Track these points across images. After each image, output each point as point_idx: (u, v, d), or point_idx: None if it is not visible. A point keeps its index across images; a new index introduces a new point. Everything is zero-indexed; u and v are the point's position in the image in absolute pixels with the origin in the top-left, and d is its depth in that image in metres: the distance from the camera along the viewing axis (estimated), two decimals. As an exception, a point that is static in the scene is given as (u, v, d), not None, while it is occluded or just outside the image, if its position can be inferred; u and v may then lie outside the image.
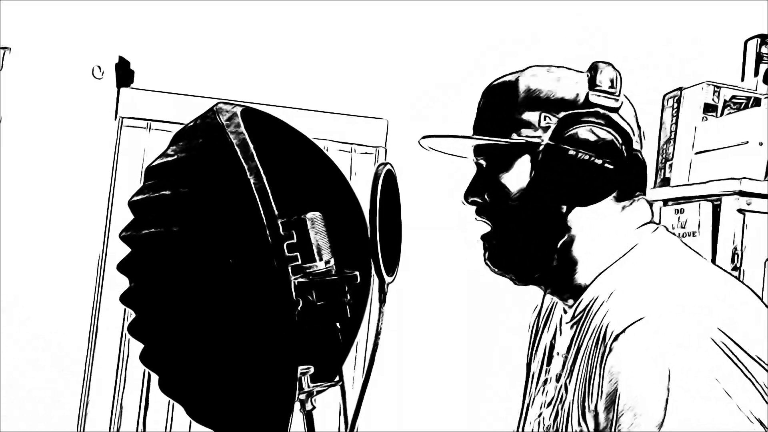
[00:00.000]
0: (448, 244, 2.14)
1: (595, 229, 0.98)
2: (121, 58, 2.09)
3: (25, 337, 2.02)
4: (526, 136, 0.97)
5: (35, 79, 2.05)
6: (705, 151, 2.05)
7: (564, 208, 0.97)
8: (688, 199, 2.01)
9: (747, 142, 1.92)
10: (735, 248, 1.86)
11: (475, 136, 1.02)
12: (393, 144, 2.17)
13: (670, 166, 2.15)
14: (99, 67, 2.07)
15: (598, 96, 0.96)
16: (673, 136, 2.14)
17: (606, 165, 0.94)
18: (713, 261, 1.89)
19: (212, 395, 0.94)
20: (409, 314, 2.12)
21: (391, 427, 2.12)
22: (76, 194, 2.06)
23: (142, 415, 2.08)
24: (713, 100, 2.07)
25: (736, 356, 0.82)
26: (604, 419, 0.86)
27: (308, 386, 0.97)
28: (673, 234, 1.01)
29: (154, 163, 0.97)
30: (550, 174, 0.96)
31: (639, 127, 1.02)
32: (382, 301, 1.02)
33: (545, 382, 1.04)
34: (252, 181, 0.91)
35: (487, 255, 1.03)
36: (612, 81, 0.97)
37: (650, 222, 1.00)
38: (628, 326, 0.86)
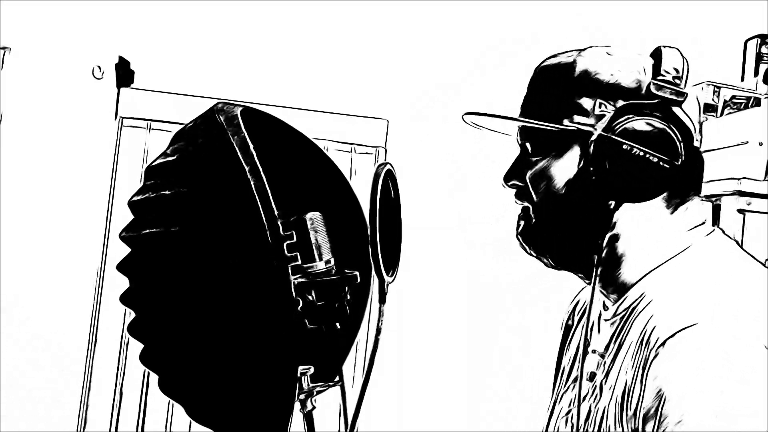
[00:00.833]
0: (448, 244, 2.14)
1: (644, 227, 0.92)
2: (121, 58, 2.09)
3: (25, 337, 2.02)
4: (578, 123, 0.91)
5: (35, 79, 2.05)
6: (705, 151, 2.04)
7: (612, 204, 0.91)
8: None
9: (747, 142, 1.92)
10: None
11: (523, 119, 0.96)
12: (393, 144, 2.17)
13: (670, 166, 2.14)
14: (99, 67, 2.07)
15: (661, 87, 0.90)
16: (673, 136, 2.14)
17: (661, 164, 0.88)
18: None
19: (212, 395, 0.94)
20: (409, 314, 2.12)
21: (391, 427, 2.12)
22: (76, 194, 2.06)
23: (142, 415, 2.08)
24: (713, 100, 2.07)
25: None
26: (645, 423, 0.82)
27: (308, 386, 0.97)
28: (730, 237, 0.96)
29: (154, 163, 0.97)
30: (601, 168, 0.89)
31: (700, 122, 0.95)
32: (382, 300, 1.02)
33: (575, 379, 1.00)
34: (252, 181, 0.91)
35: (520, 229, 0.97)
36: (677, 69, 0.90)
37: (704, 223, 0.95)
38: (678, 332, 0.82)
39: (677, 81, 0.91)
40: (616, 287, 0.95)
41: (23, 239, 2.03)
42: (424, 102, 2.16)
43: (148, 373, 2.06)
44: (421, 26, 2.17)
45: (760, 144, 1.90)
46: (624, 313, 0.93)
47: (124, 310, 1.99)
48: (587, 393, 0.96)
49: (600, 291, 0.98)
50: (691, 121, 0.92)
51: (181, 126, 0.99)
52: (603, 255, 0.93)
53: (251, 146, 0.92)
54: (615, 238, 0.93)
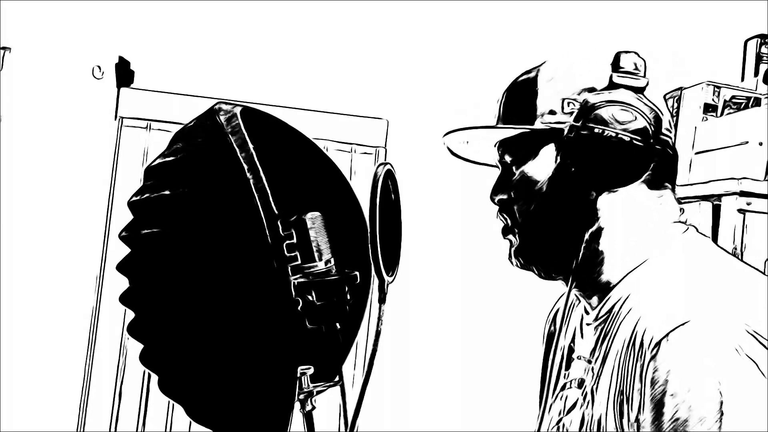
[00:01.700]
0: (448, 244, 2.14)
1: (625, 218, 0.94)
2: (121, 58, 2.09)
3: (25, 337, 2.02)
4: (550, 122, 0.94)
5: (35, 79, 2.05)
6: (705, 151, 2.04)
7: (593, 194, 0.93)
8: (687, 199, 2.01)
9: (747, 142, 1.92)
10: (735, 248, 1.86)
11: (497, 125, 0.99)
12: (393, 144, 2.17)
13: (670, 166, 2.14)
14: (99, 67, 2.07)
15: (622, 77, 0.93)
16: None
17: (635, 142, 0.89)
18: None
19: (212, 395, 0.94)
20: (409, 314, 2.12)
21: (391, 427, 2.12)
22: (76, 194, 2.06)
23: (142, 415, 2.08)
24: (713, 100, 2.07)
25: None
26: (649, 427, 0.82)
27: (308, 386, 0.97)
28: (704, 235, 0.97)
29: (154, 163, 0.97)
30: (577, 156, 0.91)
31: (670, 113, 0.99)
32: (382, 300, 1.02)
33: (563, 387, 1.00)
34: (252, 181, 0.91)
35: (512, 250, 0.99)
36: (635, 64, 0.94)
37: (679, 221, 0.96)
38: (671, 331, 0.82)
39: (636, 71, 0.94)
40: (596, 289, 0.96)
41: (23, 239, 2.03)
42: (424, 102, 2.16)
43: (148, 373, 2.06)
44: (421, 26, 2.17)
45: (760, 144, 1.90)
46: (607, 315, 0.94)
47: (124, 310, 1.99)
48: (576, 401, 0.96)
49: (579, 295, 0.99)
50: (656, 106, 0.93)
51: (181, 126, 0.99)
52: (584, 253, 0.94)
53: (251, 146, 0.92)
54: (598, 232, 0.94)
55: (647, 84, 0.94)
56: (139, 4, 2.08)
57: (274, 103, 1.97)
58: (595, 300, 0.97)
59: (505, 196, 1.00)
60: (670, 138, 0.95)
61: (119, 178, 2.09)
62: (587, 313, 0.99)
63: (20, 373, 2.02)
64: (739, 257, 1.85)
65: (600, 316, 0.95)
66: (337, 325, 0.97)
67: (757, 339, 0.81)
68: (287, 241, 0.93)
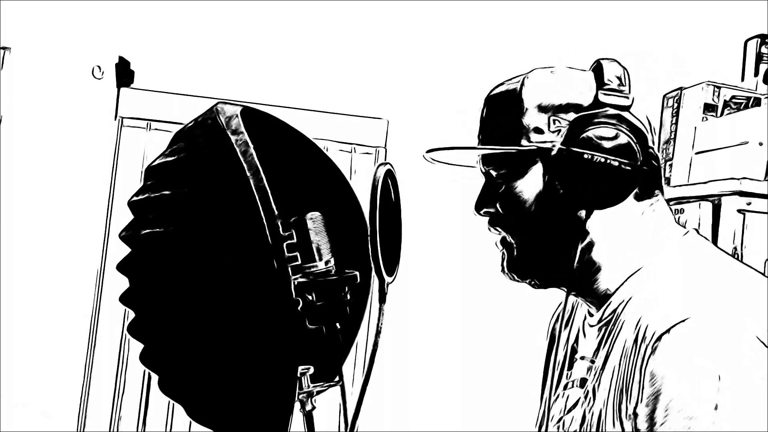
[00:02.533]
0: (448, 244, 2.14)
1: (618, 232, 0.94)
2: (121, 58, 2.09)
3: (25, 337, 2.02)
4: (537, 142, 0.94)
5: (35, 79, 2.05)
6: (705, 151, 2.05)
7: (583, 214, 0.94)
8: (687, 199, 2.01)
9: (747, 142, 1.92)
10: (735, 248, 1.86)
11: (483, 146, 0.99)
12: (393, 144, 2.17)
13: (670, 166, 2.14)
14: (99, 67, 2.07)
15: (608, 95, 0.93)
16: (673, 136, 2.14)
17: (623, 167, 0.90)
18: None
19: (212, 395, 0.94)
20: (409, 314, 2.12)
21: (391, 427, 2.12)
22: (76, 194, 2.06)
23: (142, 415, 2.08)
24: (713, 100, 2.07)
25: None
26: (645, 421, 0.83)
27: (308, 386, 0.97)
28: (705, 238, 0.98)
29: (154, 163, 0.97)
30: (565, 180, 0.92)
31: (651, 125, 0.99)
32: (382, 300, 1.02)
33: (565, 386, 1.01)
34: (252, 181, 0.91)
35: (505, 263, 1.00)
36: (620, 78, 0.94)
37: (677, 224, 0.97)
38: (672, 327, 0.83)
39: (622, 88, 0.94)
40: (596, 296, 0.97)
41: (23, 239, 2.03)
42: (424, 102, 2.16)
43: (148, 373, 2.06)
44: (421, 26, 2.17)
45: (760, 144, 1.90)
46: (610, 317, 0.95)
47: (124, 310, 1.99)
48: (578, 400, 0.97)
49: (582, 300, 1.00)
50: (642, 123, 0.94)
51: (181, 126, 0.99)
52: (579, 264, 0.95)
53: (251, 146, 0.92)
54: (590, 246, 0.95)
55: (633, 101, 0.94)
56: (139, 4, 2.08)
57: (274, 103, 1.97)
58: (596, 305, 0.98)
59: (492, 210, 1.00)
60: (653, 150, 0.96)
61: (119, 178, 2.09)
62: (590, 315, 0.99)
63: (20, 373, 2.02)
64: (739, 257, 1.85)
65: (603, 318, 0.96)
66: (337, 325, 0.97)
67: (756, 337, 0.81)
68: (287, 241, 0.93)
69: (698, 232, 0.98)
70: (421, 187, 2.06)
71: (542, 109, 0.95)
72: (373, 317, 1.04)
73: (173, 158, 0.96)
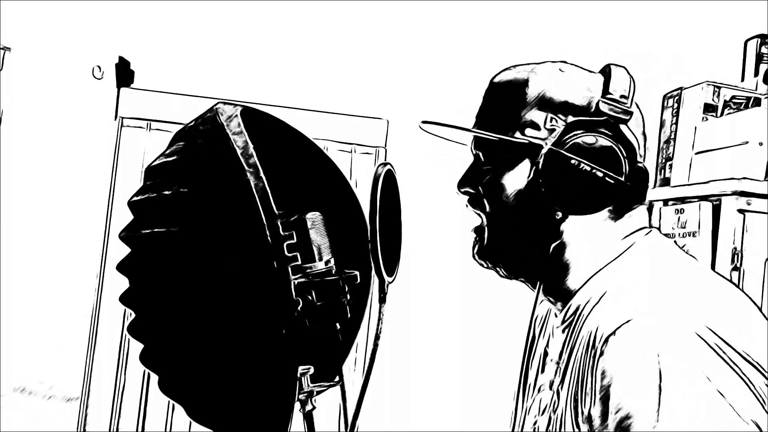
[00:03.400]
0: (448, 243, 2.14)
1: (589, 236, 0.96)
2: (121, 58, 2.09)
3: (26, 337, 2.02)
4: (530, 137, 0.95)
5: (35, 79, 2.05)
6: (705, 151, 2.05)
7: (559, 215, 0.95)
8: (687, 199, 2.01)
9: (747, 142, 1.92)
10: (735, 248, 1.86)
11: (477, 131, 1.00)
12: (393, 144, 2.17)
13: (670, 166, 2.14)
14: (99, 67, 2.07)
15: (609, 105, 0.94)
16: (673, 136, 2.14)
17: (606, 179, 0.92)
18: (713, 261, 1.89)
19: (212, 395, 0.94)
20: (409, 314, 2.12)
21: (391, 427, 2.12)
22: (76, 194, 2.06)
23: (142, 415, 2.08)
24: (713, 100, 2.07)
25: (726, 354, 0.82)
26: (598, 423, 0.84)
27: (308, 386, 0.97)
28: (666, 236, 1.00)
29: (154, 163, 0.97)
30: (549, 181, 0.93)
31: (645, 137, 1.00)
32: (382, 300, 1.02)
33: (539, 389, 1.03)
34: (252, 181, 0.91)
35: (476, 249, 1.02)
36: (624, 91, 0.94)
37: (645, 228, 0.98)
38: (617, 328, 0.85)
39: (624, 100, 0.94)
40: (561, 295, 0.98)
41: (23, 239, 2.03)
42: (424, 102, 2.16)
43: (148, 373, 2.06)
44: (421, 26, 2.17)
45: (760, 144, 1.90)
46: (571, 318, 0.96)
47: (124, 310, 1.99)
48: (549, 402, 0.98)
49: (548, 299, 1.02)
50: (636, 138, 0.96)
51: (181, 126, 0.99)
52: (550, 264, 0.97)
53: (251, 146, 0.92)
54: (562, 247, 0.97)
55: (631, 116, 0.95)
56: (139, 4, 2.08)
57: (274, 103, 1.97)
58: (560, 305, 1.00)
59: (472, 190, 1.01)
60: (643, 165, 0.97)
61: (119, 178, 2.09)
62: (555, 316, 1.01)
63: (21, 373, 2.01)
64: (739, 257, 1.85)
65: (566, 319, 0.98)
66: (337, 325, 0.97)
67: (700, 337, 0.82)
68: (287, 241, 0.92)
69: (660, 231, 1.00)
70: (421, 187, 2.06)
71: (543, 105, 0.96)
72: (373, 317, 1.04)
73: (173, 158, 0.96)
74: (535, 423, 1.01)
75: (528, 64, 1.01)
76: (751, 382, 0.82)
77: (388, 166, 1.03)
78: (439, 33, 2.17)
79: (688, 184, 2.05)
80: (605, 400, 0.84)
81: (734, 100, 2.06)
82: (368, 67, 2.16)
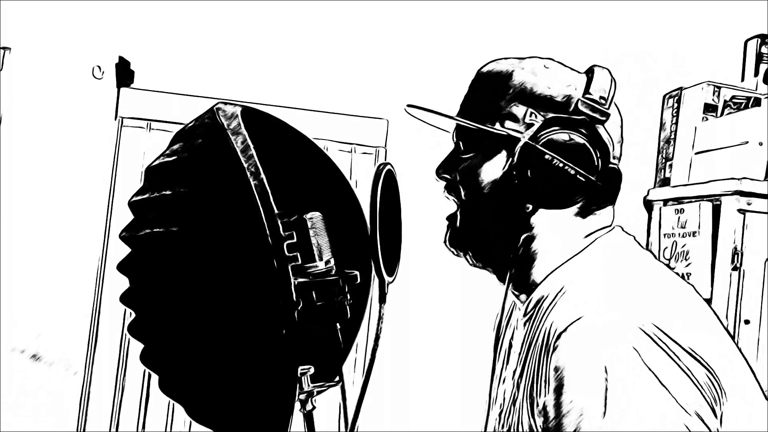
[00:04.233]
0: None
1: (556, 230, 0.99)
2: (121, 58, 2.09)
3: (26, 337, 2.02)
4: (509, 129, 0.98)
5: (35, 79, 2.05)
6: (705, 151, 2.04)
7: (530, 208, 0.98)
8: (687, 199, 2.01)
9: (747, 142, 1.92)
10: (735, 248, 1.86)
11: (459, 119, 1.03)
12: (393, 144, 2.17)
13: (670, 166, 2.14)
14: (99, 67, 2.07)
15: (588, 106, 0.96)
16: (673, 136, 2.14)
17: (578, 177, 0.94)
18: (713, 261, 1.89)
19: (212, 395, 0.94)
20: (409, 314, 2.12)
21: (391, 427, 2.12)
22: (76, 194, 2.06)
23: (142, 415, 2.09)
24: (713, 100, 2.07)
25: (670, 350, 0.84)
26: (552, 417, 0.86)
27: (308, 386, 0.97)
28: (628, 234, 1.02)
29: (154, 163, 0.97)
30: (522, 174, 0.95)
31: (622, 138, 1.02)
32: (382, 300, 1.02)
33: (503, 380, 1.05)
34: (252, 181, 0.91)
35: (447, 235, 1.05)
36: (604, 92, 0.96)
37: (610, 226, 1.01)
38: (569, 325, 0.87)
39: (602, 101, 0.96)
40: (524, 287, 1.01)
41: (23, 239, 2.03)
42: (424, 102, 2.16)
43: (148, 373, 2.06)
44: (421, 26, 2.17)
45: (760, 144, 1.90)
46: (532, 312, 0.99)
47: (124, 310, 1.99)
48: (513, 393, 1.00)
49: (512, 292, 1.04)
50: (611, 139, 0.97)
51: (181, 126, 0.99)
52: (520, 254, 1.00)
53: (251, 146, 0.92)
54: (529, 239, 0.99)
55: (608, 117, 0.97)
56: (139, 4, 2.08)
57: (274, 103, 1.97)
58: (523, 297, 1.02)
59: (449, 176, 1.04)
60: (616, 166, 0.99)
61: (119, 178, 2.09)
62: (519, 309, 1.04)
63: (21, 373, 2.02)
64: (739, 257, 1.86)
65: (527, 312, 1.00)
66: (337, 325, 0.97)
67: (646, 333, 0.84)
68: (287, 242, 0.93)
69: (623, 229, 1.02)
70: (421, 187, 2.06)
71: (524, 99, 0.98)
72: (373, 317, 1.04)
73: (173, 158, 0.96)
74: (501, 413, 1.03)
75: (515, 57, 1.04)
76: (695, 376, 0.84)
77: (388, 166, 1.03)
78: (440, 33, 2.17)
79: (688, 184, 2.05)
80: (558, 395, 0.86)
81: (734, 100, 2.06)
82: (368, 67, 2.16)
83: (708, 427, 0.82)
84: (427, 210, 2.11)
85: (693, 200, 1.98)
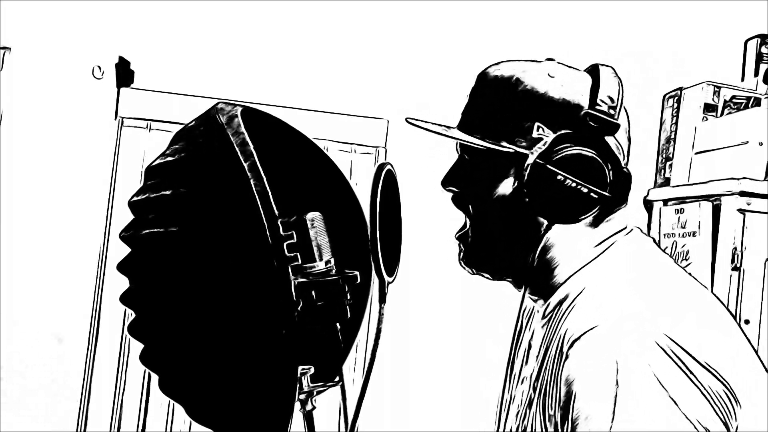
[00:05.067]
0: (448, 243, 2.14)
1: (570, 239, 0.97)
2: (121, 58, 2.09)
3: (26, 338, 2.02)
4: (517, 143, 0.95)
5: (35, 79, 2.05)
6: (705, 151, 2.04)
7: (544, 224, 0.96)
8: (687, 199, 2.01)
9: (747, 142, 1.92)
10: (735, 248, 1.86)
11: (464, 138, 0.99)
12: (393, 144, 2.17)
13: (670, 166, 2.14)
14: (99, 67, 2.07)
15: (597, 117, 0.93)
16: (673, 136, 2.14)
17: (591, 194, 0.93)
18: (713, 261, 1.89)
19: (212, 395, 0.94)
20: (409, 314, 2.12)
21: (391, 427, 2.12)
22: (76, 194, 2.06)
23: (142, 415, 2.09)
24: (713, 100, 2.07)
25: (683, 363, 0.83)
26: (560, 424, 0.86)
27: (308, 386, 0.97)
28: (647, 235, 1.01)
29: (154, 163, 0.97)
30: (534, 192, 0.93)
31: (629, 139, 1.00)
32: (382, 300, 1.02)
33: (521, 381, 1.04)
34: (252, 181, 0.91)
35: (462, 255, 1.03)
36: (612, 100, 0.94)
37: (625, 228, 0.99)
38: (583, 334, 0.86)
39: (612, 111, 0.94)
40: (542, 292, 1.00)
41: (23, 239, 2.03)
42: (424, 102, 2.16)
43: (149, 373, 2.06)
44: (421, 26, 2.17)
45: (760, 144, 1.90)
46: (551, 314, 0.97)
47: (124, 310, 1.99)
48: (530, 395, 0.99)
49: (530, 298, 1.03)
50: (619, 144, 0.96)
51: (181, 126, 0.99)
52: (536, 265, 0.98)
53: (251, 146, 0.92)
54: (545, 249, 0.97)
55: (618, 128, 0.94)
56: (139, 4, 2.08)
57: (274, 103, 1.97)
58: (541, 302, 1.01)
59: (456, 190, 1.02)
60: (626, 169, 0.96)
61: (119, 178, 2.09)
62: (538, 312, 1.02)
63: (20, 373, 2.02)
64: (739, 257, 1.86)
65: (545, 315, 0.99)
66: (337, 325, 0.97)
67: (660, 346, 0.83)
68: (287, 242, 0.92)
69: (641, 231, 1.00)
70: (421, 187, 2.06)
71: (531, 112, 0.95)
72: (373, 317, 1.04)
73: (173, 158, 0.96)
74: (518, 414, 1.02)
75: (515, 60, 1.00)
76: (709, 392, 0.82)
77: (388, 166, 1.03)
78: (440, 32, 2.17)
79: (688, 184, 2.05)
80: (567, 403, 0.85)
81: (734, 100, 2.06)
82: (368, 67, 2.16)
83: None
84: (427, 210, 2.11)
85: (693, 200, 1.98)
